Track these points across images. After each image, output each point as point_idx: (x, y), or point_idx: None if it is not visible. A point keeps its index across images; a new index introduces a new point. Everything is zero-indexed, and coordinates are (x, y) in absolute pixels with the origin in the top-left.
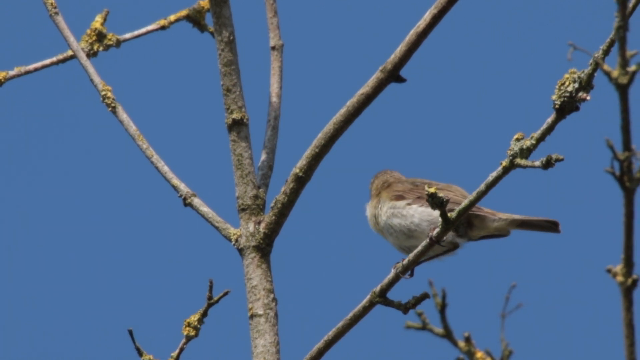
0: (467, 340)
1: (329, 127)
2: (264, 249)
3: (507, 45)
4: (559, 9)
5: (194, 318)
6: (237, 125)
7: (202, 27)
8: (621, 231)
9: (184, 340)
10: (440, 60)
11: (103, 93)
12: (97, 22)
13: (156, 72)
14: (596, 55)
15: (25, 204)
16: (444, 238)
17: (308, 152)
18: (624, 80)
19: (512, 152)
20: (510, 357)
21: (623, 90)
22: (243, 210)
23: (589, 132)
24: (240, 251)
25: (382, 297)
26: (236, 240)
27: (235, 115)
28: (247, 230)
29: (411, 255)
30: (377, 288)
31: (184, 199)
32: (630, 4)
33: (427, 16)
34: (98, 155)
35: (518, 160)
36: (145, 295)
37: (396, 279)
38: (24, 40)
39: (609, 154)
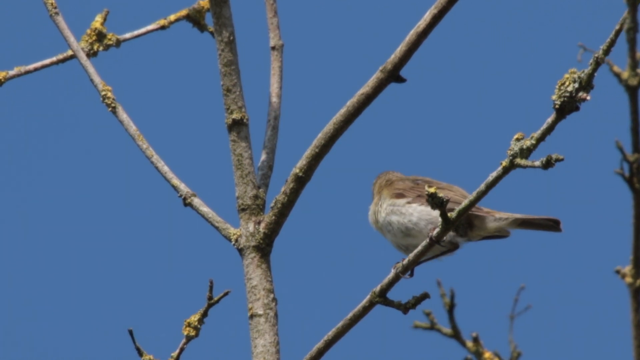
0: (475, 340)
1: (329, 127)
2: (264, 249)
3: (507, 45)
4: (559, 9)
5: (194, 318)
6: (237, 125)
7: (202, 27)
8: (627, 232)
9: (184, 340)
10: (440, 60)
11: (103, 93)
12: (97, 22)
13: (156, 72)
14: (596, 55)
15: (25, 204)
16: (444, 238)
17: (308, 152)
18: (634, 81)
19: (512, 152)
20: (519, 359)
21: (633, 92)
22: (243, 210)
23: (589, 132)
24: (240, 251)
25: (382, 297)
26: (236, 240)
27: (235, 115)
28: (247, 230)
29: (411, 255)
30: (377, 288)
31: (184, 199)
32: None
33: (427, 16)
34: (98, 155)
35: (518, 160)
36: (145, 295)
37: (396, 279)
38: (24, 40)
39: (610, 154)
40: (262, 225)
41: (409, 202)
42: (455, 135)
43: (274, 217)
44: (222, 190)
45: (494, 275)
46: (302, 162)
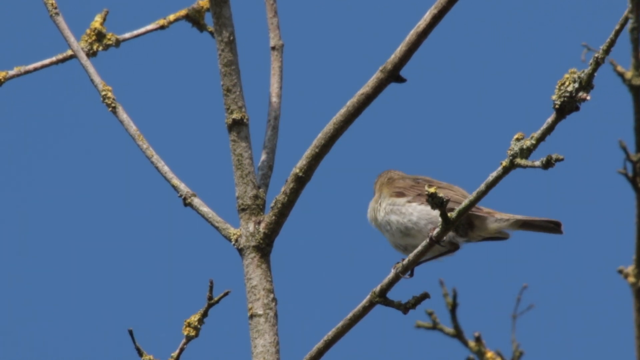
0: (478, 340)
1: (329, 127)
2: (263, 249)
3: (507, 45)
4: (559, 9)
5: (194, 318)
6: (237, 125)
7: (201, 27)
8: (630, 232)
9: (184, 340)
10: (440, 60)
11: (103, 93)
12: (96, 22)
13: (156, 72)
14: (596, 55)
15: (25, 204)
16: (444, 238)
17: (308, 152)
18: (638, 81)
19: (512, 152)
20: (521, 358)
21: (637, 92)
22: (243, 210)
23: (590, 132)
24: (240, 251)
25: (382, 297)
26: (236, 240)
27: (235, 115)
28: (247, 230)
29: (411, 255)
30: (377, 288)
31: (184, 199)
32: None
33: (427, 16)
34: (98, 155)
35: (518, 160)
36: (146, 295)
37: (396, 279)
38: (24, 40)
39: (611, 153)
40: (262, 225)
41: (409, 201)
42: (455, 135)
43: (274, 217)
44: (222, 190)
45: (496, 274)
46: (302, 162)
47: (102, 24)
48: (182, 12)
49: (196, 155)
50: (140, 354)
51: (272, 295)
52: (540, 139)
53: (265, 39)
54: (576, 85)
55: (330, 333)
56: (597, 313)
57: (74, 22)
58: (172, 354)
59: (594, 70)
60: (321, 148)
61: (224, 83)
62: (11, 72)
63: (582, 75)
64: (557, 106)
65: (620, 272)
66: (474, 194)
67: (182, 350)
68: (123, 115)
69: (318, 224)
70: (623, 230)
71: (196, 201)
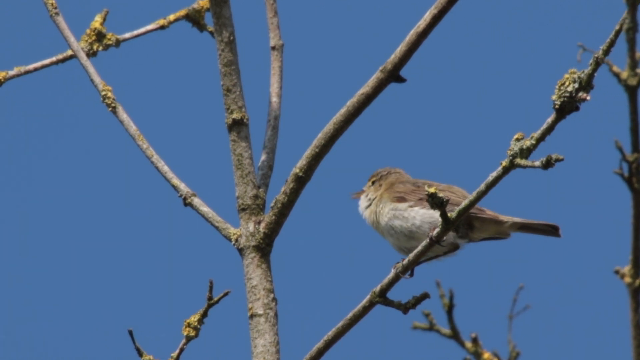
0: (474, 340)
1: (329, 127)
2: (264, 249)
3: (507, 45)
4: (559, 9)
5: (194, 318)
6: (237, 125)
7: (201, 27)
8: (626, 232)
9: (184, 340)
10: (440, 60)
11: (103, 93)
12: (96, 22)
13: (156, 72)
14: (597, 55)
15: (25, 204)
16: (444, 238)
17: (308, 152)
18: (633, 81)
19: (512, 152)
20: (518, 359)
21: (632, 92)
22: (243, 210)
23: (589, 132)
24: (240, 251)
25: (382, 297)
26: (236, 240)
27: (235, 115)
28: (247, 230)
29: (411, 256)
30: (377, 288)
31: (184, 199)
32: None
33: (427, 16)
34: (98, 155)
35: (518, 160)
36: (146, 295)
37: (396, 279)
38: (24, 40)
39: (609, 154)
40: (262, 225)
41: (410, 206)
42: (455, 135)
43: (274, 217)
44: (222, 190)
45: (492, 275)
46: (302, 162)
47: (102, 24)
48: (182, 12)
49: (196, 155)
50: (140, 354)
51: (272, 295)
52: (540, 139)
53: (265, 39)
54: (576, 85)
55: (330, 333)
56: (593, 313)
57: (74, 22)
58: (172, 354)
59: (594, 70)
60: (321, 148)
61: (224, 83)
62: (11, 72)
63: (582, 75)
64: (557, 106)
65: (617, 272)
66: (474, 194)
67: (182, 350)
68: (123, 115)
69: (318, 224)
70: (619, 230)
71: (196, 201)
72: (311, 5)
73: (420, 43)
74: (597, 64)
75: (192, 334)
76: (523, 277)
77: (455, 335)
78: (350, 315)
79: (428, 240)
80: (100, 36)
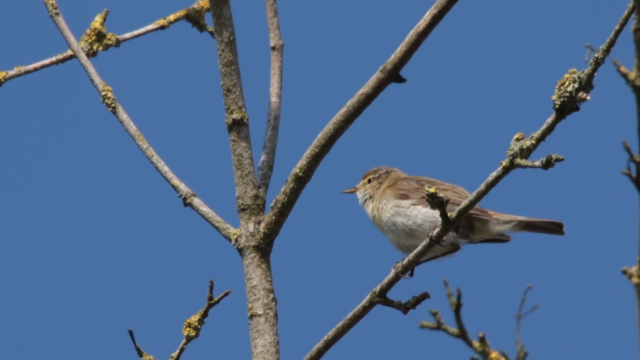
0: (482, 340)
1: (329, 127)
2: (263, 249)
3: (507, 45)
4: (559, 9)
5: (194, 318)
6: (237, 125)
7: (201, 27)
8: (633, 232)
9: (184, 340)
10: (440, 60)
11: (103, 93)
12: (96, 22)
13: (156, 72)
14: (597, 55)
15: (25, 204)
16: (444, 238)
17: (308, 152)
18: None
19: (512, 152)
20: (526, 359)
21: None
22: (243, 210)
23: (590, 132)
24: (240, 251)
25: (382, 297)
26: (236, 240)
27: (235, 115)
28: (247, 230)
29: (411, 255)
30: (377, 288)
31: (184, 199)
32: None
33: (427, 16)
34: (98, 155)
35: (518, 160)
36: (146, 295)
37: (396, 279)
38: (24, 40)
39: (611, 154)
40: (262, 225)
41: (413, 204)
42: (455, 135)
43: (274, 217)
44: (222, 190)
45: (500, 275)
46: (302, 162)
47: (102, 24)
48: (182, 12)
49: (196, 155)
50: (140, 354)
51: (272, 295)
52: (540, 139)
53: (265, 39)
54: (576, 85)
55: (330, 333)
56: (601, 313)
57: (74, 22)
58: (172, 354)
59: (594, 70)
60: (321, 148)
61: (224, 83)
62: (11, 72)
63: (582, 75)
64: (557, 106)
65: (624, 272)
66: (474, 194)
67: (182, 350)
68: (123, 115)
69: (318, 224)
70: (626, 230)
71: (196, 201)
72: (311, 5)
73: (420, 43)
74: (597, 63)
75: (193, 334)
76: (531, 278)
77: (462, 335)
78: (350, 315)
79: (428, 240)
80: (100, 36)
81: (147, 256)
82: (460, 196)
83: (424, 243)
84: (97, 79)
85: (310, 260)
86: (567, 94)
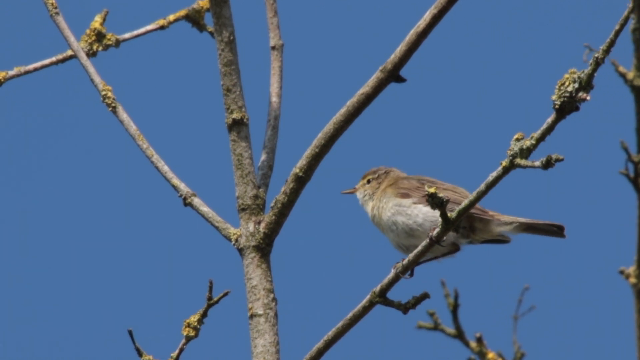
0: (479, 340)
1: (329, 127)
2: (264, 249)
3: (507, 45)
4: (559, 9)
5: (193, 318)
6: (237, 125)
7: (201, 27)
8: (631, 232)
9: (183, 340)
10: (440, 60)
11: (103, 93)
12: (96, 22)
13: (156, 72)
14: (596, 55)
15: (25, 204)
16: (444, 238)
17: (308, 152)
18: (639, 82)
19: (512, 152)
20: (523, 359)
21: (638, 93)
22: (243, 210)
23: (590, 132)
24: (240, 251)
25: (382, 297)
26: (236, 240)
27: (235, 115)
28: (247, 230)
29: (411, 255)
30: (377, 288)
31: (184, 199)
32: None
33: (427, 16)
34: (98, 155)
35: (518, 160)
36: (146, 295)
37: (396, 279)
38: (24, 40)
39: (610, 154)
40: (262, 225)
41: (414, 203)
42: (455, 135)
43: (274, 217)
44: (222, 190)
45: (497, 275)
46: (302, 162)
47: (102, 24)
48: (182, 12)
49: (196, 155)
50: (140, 354)
51: (272, 295)
52: (540, 139)
53: (265, 39)
54: (576, 85)
55: (330, 333)
56: (598, 314)
57: (74, 22)
58: (172, 354)
59: (594, 70)
60: (321, 148)
61: (224, 83)
62: (11, 72)
63: (582, 75)
64: (557, 106)
65: (622, 272)
66: (474, 194)
67: (181, 350)
68: (123, 115)
69: (318, 224)
70: (624, 231)
71: (196, 201)
72: (311, 5)
73: (420, 43)
74: (597, 63)
75: (192, 334)
76: (528, 278)
77: (460, 335)
78: (350, 315)
79: (428, 240)
80: (100, 36)
81: (147, 256)
82: (460, 196)
83: (424, 243)
84: (97, 79)
85: (310, 260)
86: (567, 94)
